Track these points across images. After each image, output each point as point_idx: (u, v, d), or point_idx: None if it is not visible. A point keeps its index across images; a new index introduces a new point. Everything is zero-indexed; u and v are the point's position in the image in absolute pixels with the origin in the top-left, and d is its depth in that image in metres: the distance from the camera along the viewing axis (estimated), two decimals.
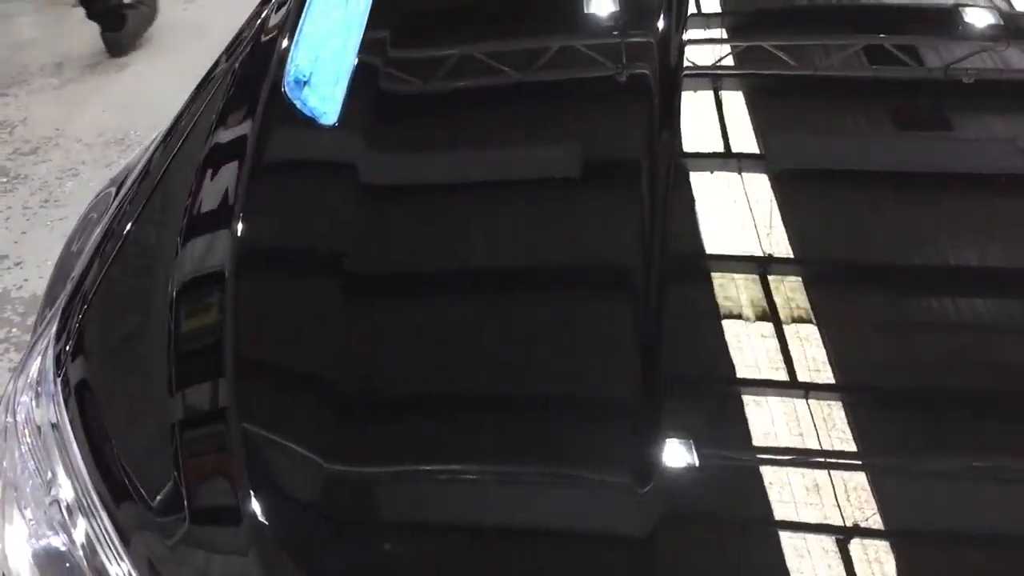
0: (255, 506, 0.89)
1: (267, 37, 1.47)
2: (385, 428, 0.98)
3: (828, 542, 0.82)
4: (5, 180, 3.18)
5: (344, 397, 0.97)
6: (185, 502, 0.92)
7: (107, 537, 0.94)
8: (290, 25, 1.45)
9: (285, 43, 1.41)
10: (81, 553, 0.95)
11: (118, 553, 0.93)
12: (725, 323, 1.00)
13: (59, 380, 1.09)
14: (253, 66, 1.42)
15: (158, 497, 0.94)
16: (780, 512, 0.84)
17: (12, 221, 2.97)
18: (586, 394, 0.97)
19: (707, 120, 1.25)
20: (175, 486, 0.93)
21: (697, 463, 0.87)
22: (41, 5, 4.35)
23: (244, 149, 1.25)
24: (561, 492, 0.90)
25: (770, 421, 0.91)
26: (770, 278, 1.05)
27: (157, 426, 0.99)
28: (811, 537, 0.82)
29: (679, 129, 1.22)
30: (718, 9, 1.48)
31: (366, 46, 1.40)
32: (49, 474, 1.02)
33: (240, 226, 1.15)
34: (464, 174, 1.27)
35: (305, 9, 1.47)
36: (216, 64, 1.53)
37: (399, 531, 0.89)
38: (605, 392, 0.97)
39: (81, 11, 3.82)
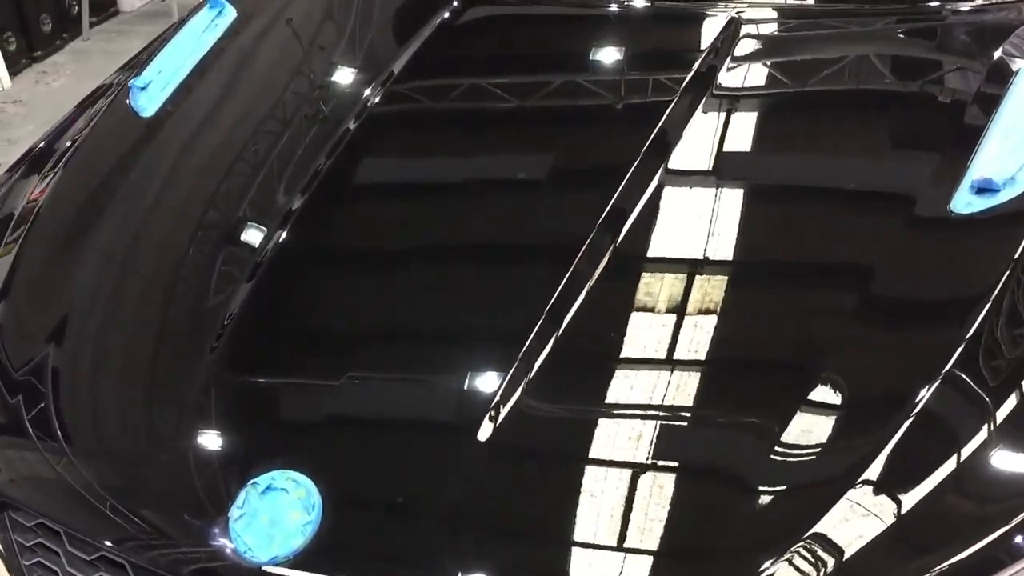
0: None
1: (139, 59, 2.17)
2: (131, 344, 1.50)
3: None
4: None
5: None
6: None
7: None
8: (152, 52, 2.14)
9: (144, 62, 2.10)
10: None
11: None
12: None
13: None
14: (124, 78, 2.11)
15: None
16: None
17: None
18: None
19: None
20: None
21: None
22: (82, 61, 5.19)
23: (87, 124, 1.93)
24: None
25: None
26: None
27: None
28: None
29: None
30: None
31: (196, 68, 2.06)
32: None
33: (56, 178, 1.79)
34: (228, 147, 1.91)
35: (168, 43, 2.16)
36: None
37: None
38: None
39: (114, 64, 4.57)
